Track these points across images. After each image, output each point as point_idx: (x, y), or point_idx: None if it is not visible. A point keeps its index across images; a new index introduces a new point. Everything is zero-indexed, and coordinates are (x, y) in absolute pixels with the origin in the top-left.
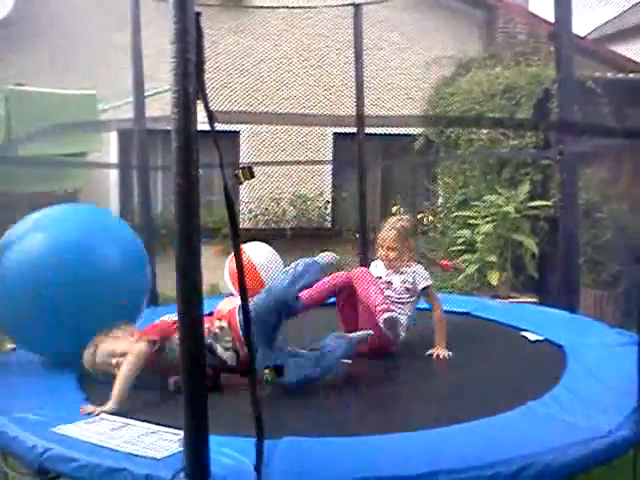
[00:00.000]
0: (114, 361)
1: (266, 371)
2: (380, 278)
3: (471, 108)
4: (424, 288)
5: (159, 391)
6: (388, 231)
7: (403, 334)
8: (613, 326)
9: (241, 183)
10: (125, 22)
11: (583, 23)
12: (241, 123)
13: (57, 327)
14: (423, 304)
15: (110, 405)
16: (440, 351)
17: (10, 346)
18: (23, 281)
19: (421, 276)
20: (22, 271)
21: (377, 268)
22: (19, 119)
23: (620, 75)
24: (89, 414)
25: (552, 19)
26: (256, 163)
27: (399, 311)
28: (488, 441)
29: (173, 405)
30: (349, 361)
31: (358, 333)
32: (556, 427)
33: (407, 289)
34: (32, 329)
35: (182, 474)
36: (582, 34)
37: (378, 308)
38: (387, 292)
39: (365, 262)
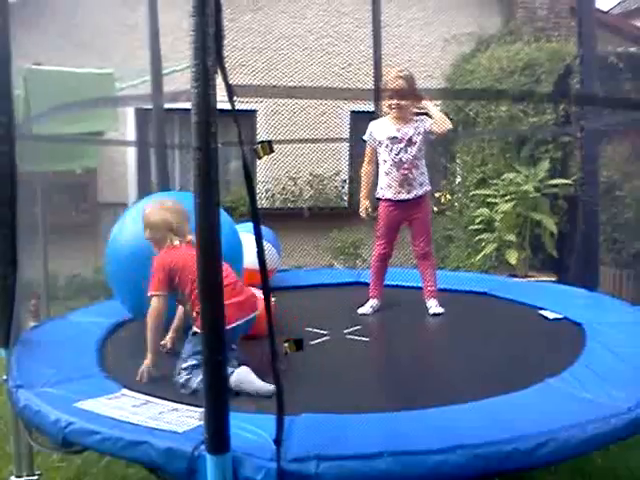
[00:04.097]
0: None
1: (286, 344)
2: (395, 139)
3: (491, 85)
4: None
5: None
6: (396, 80)
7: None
8: (633, 304)
9: (260, 157)
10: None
11: None
12: (260, 97)
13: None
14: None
15: (149, 358)
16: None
17: (32, 324)
18: (134, 260)
19: (428, 116)
20: (133, 252)
21: (386, 128)
22: (38, 98)
23: None
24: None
25: None
26: (273, 141)
27: (422, 168)
28: (507, 417)
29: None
30: (366, 339)
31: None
32: (575, 404)
33: (424, 136)
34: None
35: (203, 447)
36: (605, 9)
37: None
38: (411, 151)
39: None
